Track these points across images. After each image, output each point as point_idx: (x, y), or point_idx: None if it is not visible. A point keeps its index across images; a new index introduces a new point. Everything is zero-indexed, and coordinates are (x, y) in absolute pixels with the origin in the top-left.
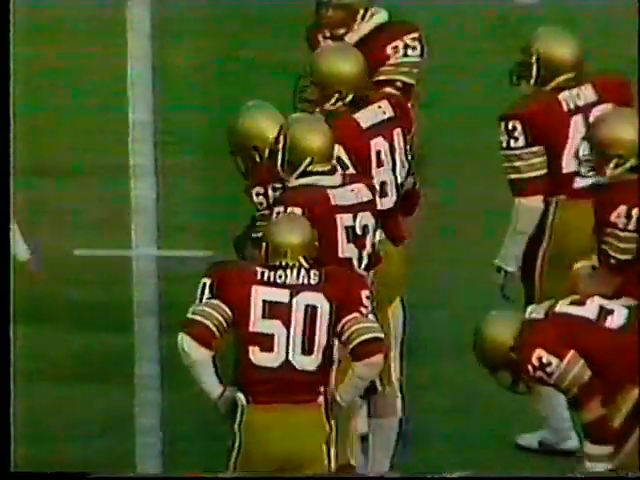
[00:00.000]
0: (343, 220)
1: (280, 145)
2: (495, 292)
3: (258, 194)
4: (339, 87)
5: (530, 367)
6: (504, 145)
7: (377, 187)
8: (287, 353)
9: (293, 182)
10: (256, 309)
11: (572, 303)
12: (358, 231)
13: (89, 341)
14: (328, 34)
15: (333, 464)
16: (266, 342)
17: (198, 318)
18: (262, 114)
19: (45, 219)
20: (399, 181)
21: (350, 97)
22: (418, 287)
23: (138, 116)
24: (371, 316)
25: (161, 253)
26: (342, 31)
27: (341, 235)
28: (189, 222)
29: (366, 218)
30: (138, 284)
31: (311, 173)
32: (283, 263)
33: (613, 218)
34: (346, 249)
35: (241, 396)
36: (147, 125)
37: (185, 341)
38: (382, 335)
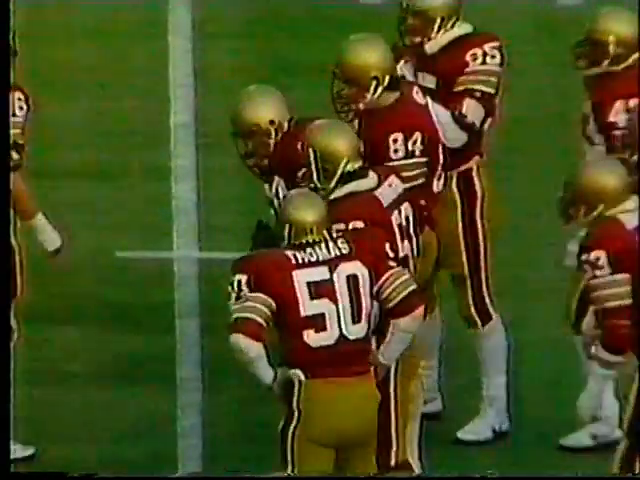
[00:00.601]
0: (395, 220)
1: (311, 158)
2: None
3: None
4: (375, 73)
5: (585, 256)
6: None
7: (439, 169)
8: (340, 327)
9: (336, 192)
10: (302, 293)
11: None
12: (404, 223)
13: (130, 343)
14: (408, 42)
15: (393, 459)
16: (318, 322)
17: (247, 315)
18: (270, 92)
19: (87, 221)
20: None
21: (387, 79)
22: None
23: (179, 118)
24: (393, 263)
25: (202, 255)
26: (419, 39)
27: (398, 236)
28: (230, 224)
29: (407, 209)
30: (179, 286)
31: (350, 176)
32: (310, 240)
33: None
34: (404, 248)
35: (298, 372)
36: (188, 127)
37: (241, 341)
38: (417, 286)
